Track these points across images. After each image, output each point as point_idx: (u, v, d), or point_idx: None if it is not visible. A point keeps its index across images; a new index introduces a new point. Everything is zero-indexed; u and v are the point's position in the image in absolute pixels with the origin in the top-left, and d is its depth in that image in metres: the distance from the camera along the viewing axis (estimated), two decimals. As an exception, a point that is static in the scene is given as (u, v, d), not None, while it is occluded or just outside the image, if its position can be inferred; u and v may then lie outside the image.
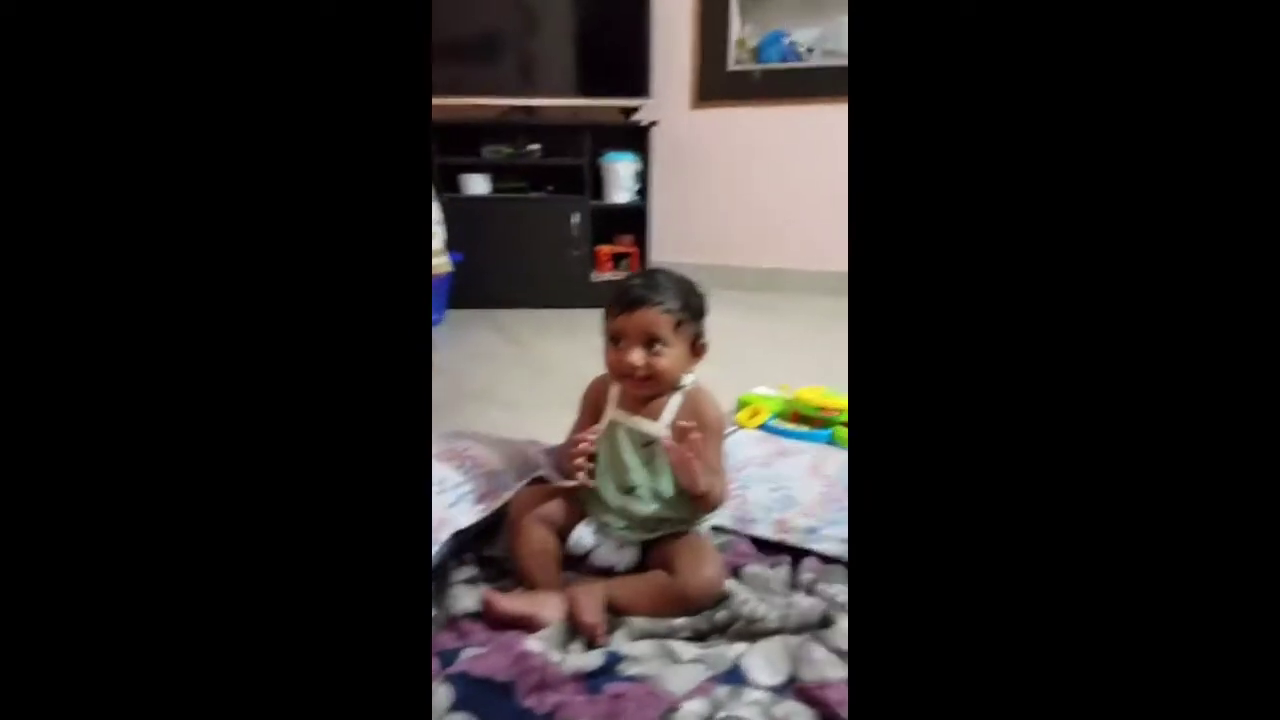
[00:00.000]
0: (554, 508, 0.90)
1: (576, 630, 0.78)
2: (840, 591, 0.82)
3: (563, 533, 0.90)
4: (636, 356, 0.84)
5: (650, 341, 0.84)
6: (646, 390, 0.87)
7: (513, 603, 0.78)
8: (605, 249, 2.67)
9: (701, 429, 0.83)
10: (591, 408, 0.92)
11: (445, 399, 1.69)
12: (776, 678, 0.70)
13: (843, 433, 1.20)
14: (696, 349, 0.90)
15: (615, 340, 0.87)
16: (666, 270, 0.92)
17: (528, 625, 0.75)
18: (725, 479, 0.88)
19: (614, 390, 0.90)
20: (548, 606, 0.78)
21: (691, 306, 0.87)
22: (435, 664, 0.70)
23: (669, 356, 0.85)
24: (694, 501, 0.85)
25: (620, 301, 0.86)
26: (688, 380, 0.90)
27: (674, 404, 0.89)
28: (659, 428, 0.87)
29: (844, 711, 0.64)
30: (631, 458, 0.88)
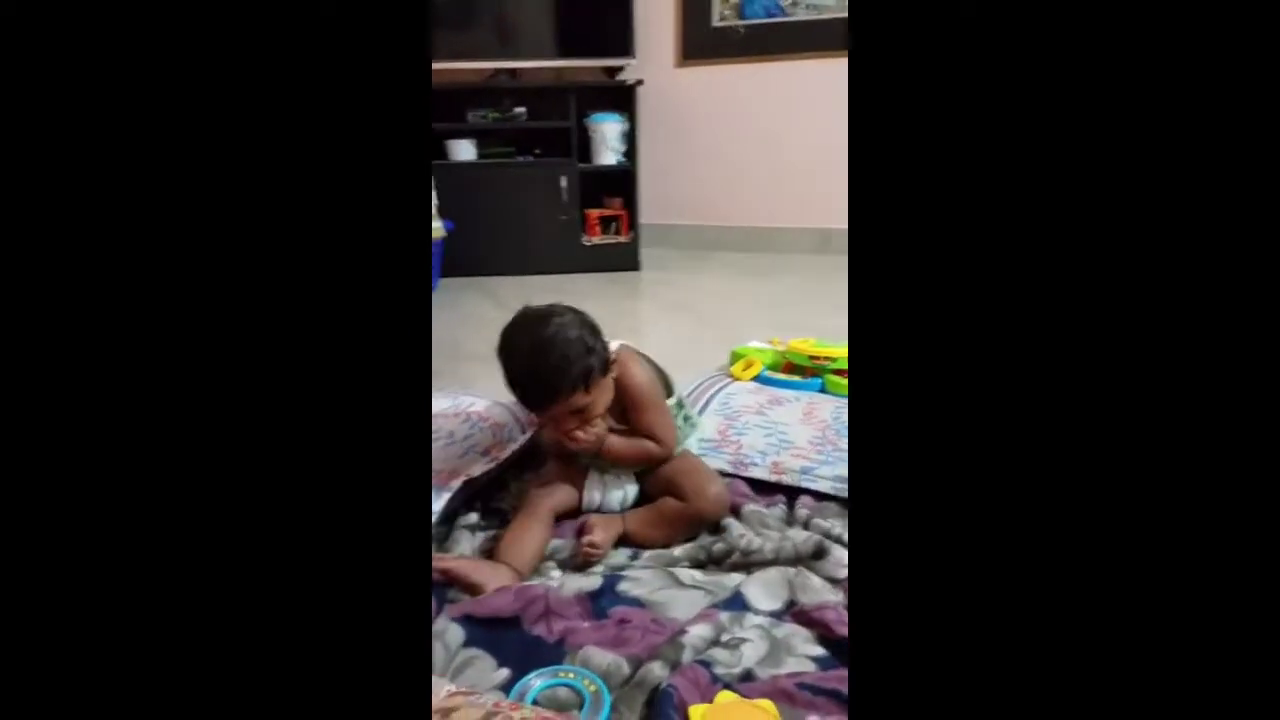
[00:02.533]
0: (568, 495, 0.91)
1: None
2: (834, 525, 0.86)
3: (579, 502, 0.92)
4: (569, 426, 0.84)
5: (575, 412, 0.83)
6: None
7: (456, 563, 0.78)
8: (594, 212, 2.66)
9: (631, 400, 0.89)
10: None
11: (443, 365, 1.71)
12: (775, 603, 0.74)
13: (834, 380, 1.23)
14: (608, 369, 0.86)
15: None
16: (537, 327, 0.82)
17: (471, 591, 0.75)
18: (669, 437, 0.91)
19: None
20: (491, 578, 0.76)
21: (592, 357, 0.82)
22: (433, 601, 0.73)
23: (596, 407, 0.85)
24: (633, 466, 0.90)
25: (527, 401, 0.85)
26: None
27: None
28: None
29: (842, 630, 0.68)
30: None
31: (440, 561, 0.77)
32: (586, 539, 0.82)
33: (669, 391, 0.95)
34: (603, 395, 0.86)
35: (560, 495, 0.91)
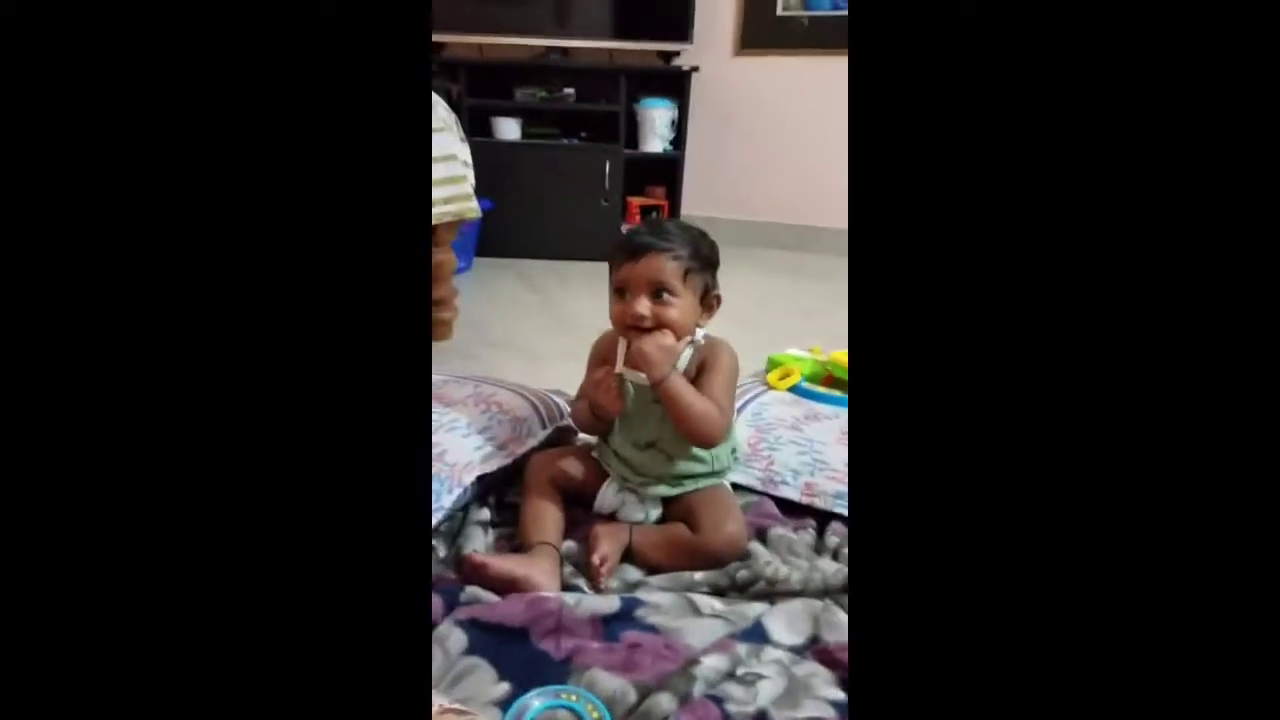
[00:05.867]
0: (571, 470, 0.88)
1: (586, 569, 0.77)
2: (867, 557, 0.80)
3: (585, 494, 0.88)
4: (643, 306, 0.80)
5: (657, 291, 0.80)
6: None
7: (504, 563, 0.74)
8: (635, 200, 2.61)
9: (711, 369, 0.83)
10: (599, 364, 0.87)
11: (468, 347, 1.68)
12: (798, 638, 0.69)
13: (875, 398, 1.16)
14: (708, 302, 0.86)
15: (620, 292, 0.83)
16: (674, 219, 0.89)
17: (519, 587, 0.72)
18: (728, 418, 0.85)
19: (622, 345, 0.84)
20: (538, 569, 0.74)
21: (701, 255, 0.83)
22: (438, 602, 0.70)
23: (678, 307, 0.81)
24: (681, 427, 0.81)
25: (625, 250, 0.82)
26: (700, 335, 0.87)
27: (685, 356, 0.85)
28: None
29: (867, 677, 0.63)
30: (644, 414, 0.86)
31: (484, 574, 0.73)
32: (595, 555, 0.77)
33: None
34: (688, 308, 0.82)
35: (563, 464, 0.87)
